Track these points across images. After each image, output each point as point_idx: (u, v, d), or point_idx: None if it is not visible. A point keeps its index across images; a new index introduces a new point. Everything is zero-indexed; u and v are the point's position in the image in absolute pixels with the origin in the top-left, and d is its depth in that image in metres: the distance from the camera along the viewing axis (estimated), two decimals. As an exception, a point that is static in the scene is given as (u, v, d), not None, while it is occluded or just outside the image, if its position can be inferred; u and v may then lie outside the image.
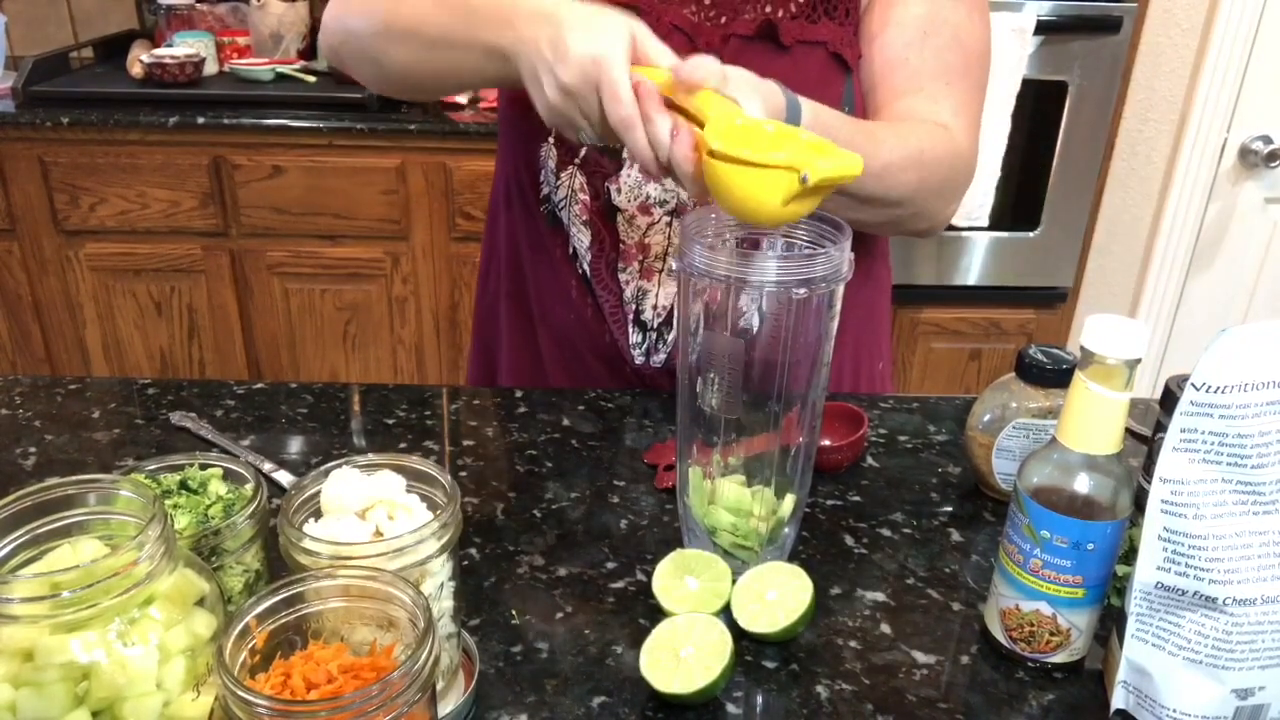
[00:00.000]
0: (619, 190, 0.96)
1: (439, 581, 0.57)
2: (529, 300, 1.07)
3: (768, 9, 0.92)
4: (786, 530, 0.76)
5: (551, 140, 0.97)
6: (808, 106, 0.77)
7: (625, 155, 0.94)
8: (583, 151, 0.96)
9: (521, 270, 1.08)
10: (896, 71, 0.92)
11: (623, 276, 0.99)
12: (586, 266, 1.00)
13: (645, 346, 1.01)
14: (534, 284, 1.06)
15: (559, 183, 0.99)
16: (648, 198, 0.95)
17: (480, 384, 1.16)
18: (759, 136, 0.65)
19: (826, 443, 0.88)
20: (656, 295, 0.99)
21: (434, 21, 0.82)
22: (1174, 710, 0.60)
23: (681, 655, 0.63)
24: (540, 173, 1.00)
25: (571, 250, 1.01)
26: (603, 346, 1.03)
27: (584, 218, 0.98)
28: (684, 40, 0.92)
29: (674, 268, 0.95)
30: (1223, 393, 0.55)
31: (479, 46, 0.77)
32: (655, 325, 1.00)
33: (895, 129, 0.89)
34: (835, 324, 0.70)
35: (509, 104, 1.02)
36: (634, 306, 1.00)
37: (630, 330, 1.01)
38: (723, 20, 0.92)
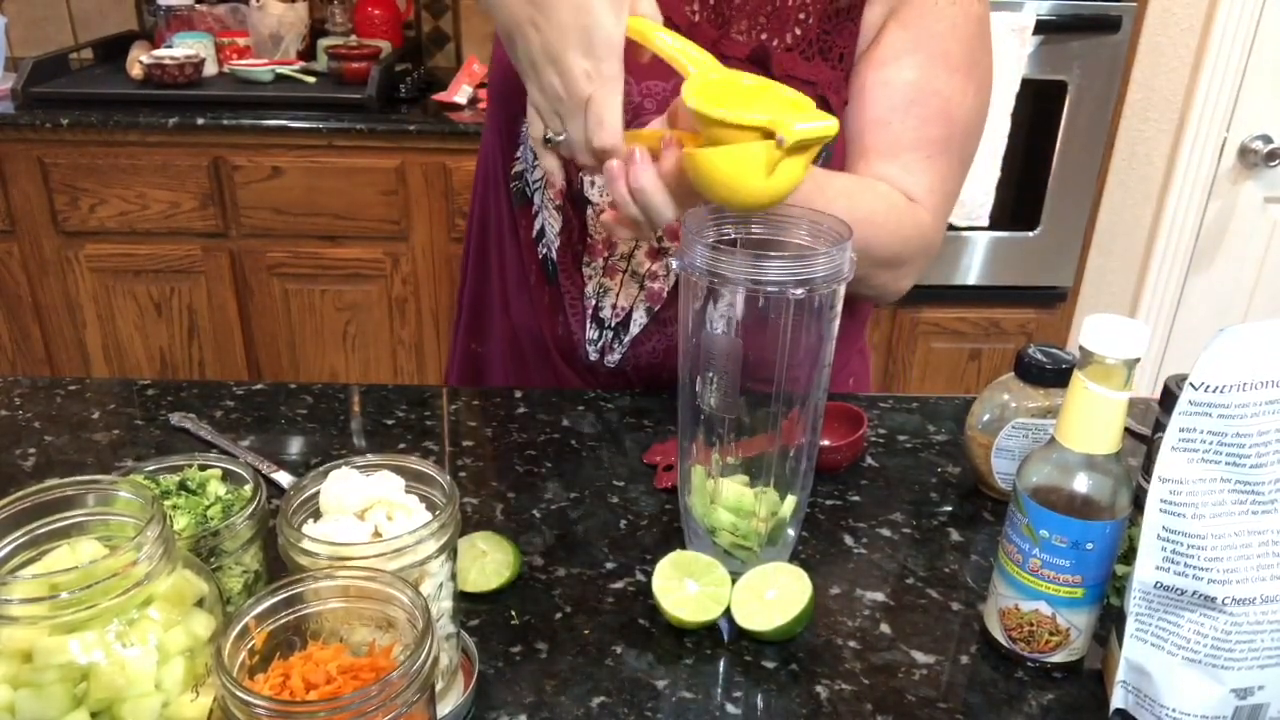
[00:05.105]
0: (592, 183, 0.95)
1: (438, 582, 0.57)
2: (491, 288, 1.06)
3: (764, 35, 0.90)
4: (788, 531, 0.76)
5: None
6: None
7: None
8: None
9: (487, 254, 1.06)
10: (878, 133, 0.90)
11: (586, 270, 0.98)
12: (554, 252, 0.99)
13: (600, 344, 1.00)
14: (497, 267, 1.05)
15: (536, 162, 0.96)
16: None
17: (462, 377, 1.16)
18: (736, 93, 0.64)
19: (826, 443, 0.88)
20: (617, 295, 0.98)
21: None
22: (1173, 710, 0.60)
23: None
24: (519, 147, 0.98)
25: (537, 231, 0.99)
26: (556, 339, 1.02)
27: (557, 202, 0.97)
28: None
29: (674, 266, 0.95)
30: (1222, 392, 0.55)
31: None
32: (612, 325, 0.99)
33: (854, 185, 0.88)
34: (836, 324, 0.70)
35: (498, 67, 0.99)
36: (594, 302, 0.99)
37: (588, 325, 1.00)
38: (716, 31, 0.90)
